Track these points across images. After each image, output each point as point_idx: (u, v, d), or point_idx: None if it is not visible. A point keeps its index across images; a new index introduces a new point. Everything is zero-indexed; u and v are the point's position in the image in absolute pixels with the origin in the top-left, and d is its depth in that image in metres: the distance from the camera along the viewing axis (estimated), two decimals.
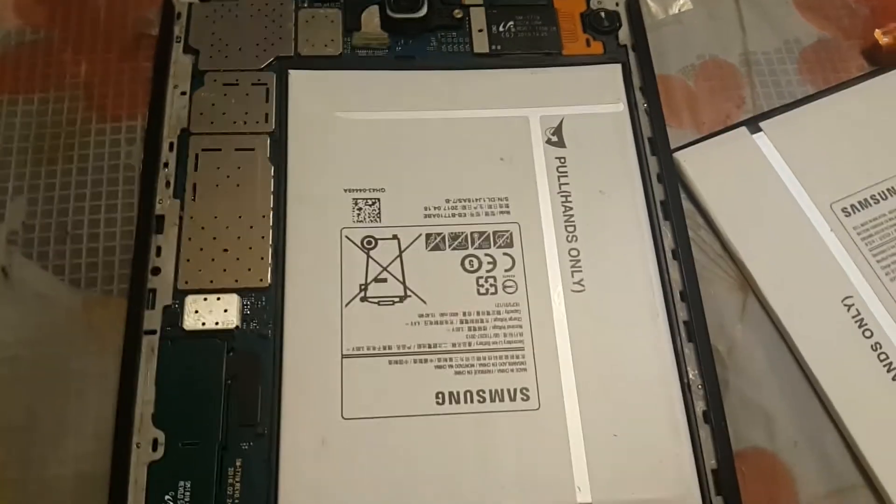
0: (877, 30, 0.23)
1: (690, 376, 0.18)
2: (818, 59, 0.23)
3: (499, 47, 0.22)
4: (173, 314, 0.18)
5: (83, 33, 0.22)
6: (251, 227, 0.19)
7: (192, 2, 0.22)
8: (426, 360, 0.18)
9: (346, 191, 0.20)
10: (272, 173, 0.20)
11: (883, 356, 0.19)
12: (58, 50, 0.22)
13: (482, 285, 0.19)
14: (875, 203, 0.21)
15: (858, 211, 0.21)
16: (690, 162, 0.21)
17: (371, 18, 0.22)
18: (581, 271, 0.19)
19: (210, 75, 0.21)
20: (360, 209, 0.20)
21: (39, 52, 0.22)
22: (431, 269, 0.19)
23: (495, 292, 0.19)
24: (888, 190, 0.21)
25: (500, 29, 0.22)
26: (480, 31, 0.22)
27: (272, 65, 0.21)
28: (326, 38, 0.22)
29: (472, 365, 0.18)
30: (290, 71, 0.21)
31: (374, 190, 0.20)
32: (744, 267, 0.20)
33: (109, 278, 0.19)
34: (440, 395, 0.18)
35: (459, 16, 0.22)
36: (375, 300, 0.18)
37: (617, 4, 0.23)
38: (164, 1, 0.22)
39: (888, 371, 0.19)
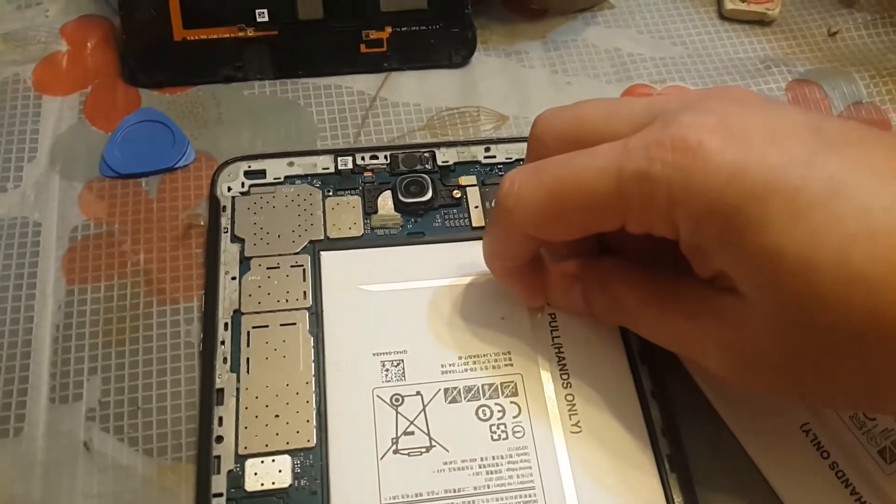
0: None
1: (676, 502, 0.21)
2: None
3: None
4: (236, 477, 0.21)
5: (139, 225, 0.26)
6: (297, 393, 0.22)
7: (235, 196, 0.26)
8: None
9: (374, 354, 0.23)
10: (312, 344, 0.23)
11: (840, 473, 0.22)
12: (118, 241, 0.26)
13: (495, 432, 0.22)
14: None
15: None
16: None
17: (385, 202, 0.26)
18: (577, 414, 0.23)
19: (255, 260, 0.25)
20: (387, 370, 0.23)
21: (103, 244, 0.26)
22: (451, 419, 0.22)
23: (506, 438, 0.22)
24: None
25: (492, 205, 0.27)
26: (476, 207, 0.27)
27: (306, 248, 0.25)
28: (350, 221, 0.26)
29: None
30: (322, 252, 0.25)
31: (397, 352, 0.23)
32: (712, 402, 0.23)
33: (178, 446, 0.22)
34: None
35: (458, 195, 0.27)
36: (406, 452, 0.22)
37: None
38: (210, 196, 0.26)
39: (846, 486, 0.22)
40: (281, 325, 0.23)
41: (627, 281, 0.21)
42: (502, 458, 0.22)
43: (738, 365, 0.19)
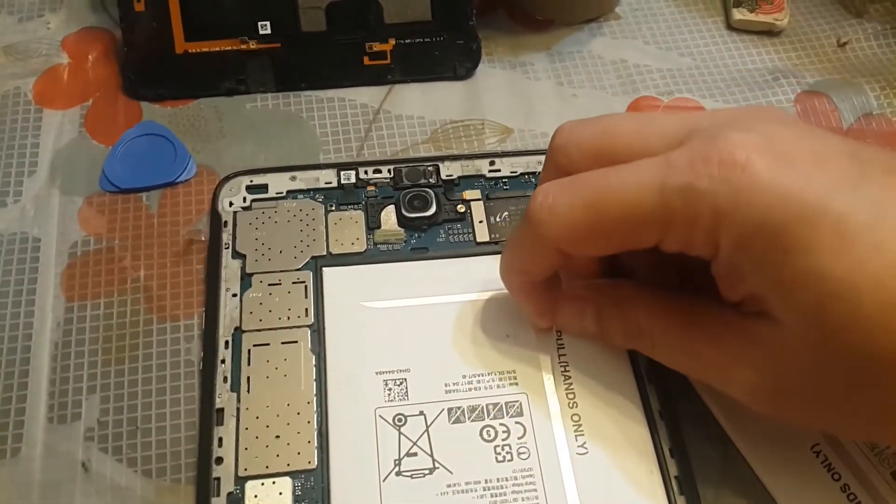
0: None
1: None
2: None
3: (497, 235, 0.26)
4: (236, 500, 0.20)
5: (140, 241, 0.26)
6: (298, 413, 0.22)
7: (237, 211, 0.26)
8: None
9: (377, 373, 0.23)
10: (314, 362, 0.23)
11: (852, 496, 0.22)
12: (118, 257, 0.26)
13: (499, 453, 0.22)
14: None
15: None
16: None
17: (389, 217, 0.26)
18: (583, 435, 0.22)
19: (256, 277, 0.24)
20: (390, 389, 0.23)
21: (102, 260, 0.26)
22: (455, 440, 0.22)
23: (511, 459, 0.22)
24: None
25: (497, 219, 0.26)
26: (481, 222, 0.26)
27: (308, 264, 0.25)
28: (353, 236, 0.25)
29: None
30: (324, 268, 0.25)
31: (400, 371, 0.23)
32: (721, 423, 0.23)
33: (177, 467, 0.21)
34: None
35: (462, 210, 0.26)
36: (409, 473, 0.21)
37: None
38: (212, 212, 0.26)
39: None
40: (282, 343, 0.23)
41: (648, 305, 0.21)
42: (507, 479, 0.21)
43: (766, 393, 0.19)
